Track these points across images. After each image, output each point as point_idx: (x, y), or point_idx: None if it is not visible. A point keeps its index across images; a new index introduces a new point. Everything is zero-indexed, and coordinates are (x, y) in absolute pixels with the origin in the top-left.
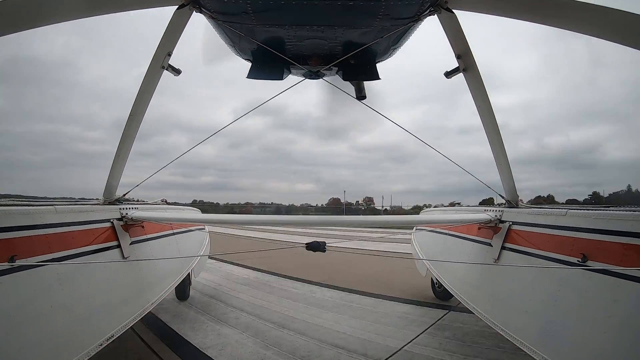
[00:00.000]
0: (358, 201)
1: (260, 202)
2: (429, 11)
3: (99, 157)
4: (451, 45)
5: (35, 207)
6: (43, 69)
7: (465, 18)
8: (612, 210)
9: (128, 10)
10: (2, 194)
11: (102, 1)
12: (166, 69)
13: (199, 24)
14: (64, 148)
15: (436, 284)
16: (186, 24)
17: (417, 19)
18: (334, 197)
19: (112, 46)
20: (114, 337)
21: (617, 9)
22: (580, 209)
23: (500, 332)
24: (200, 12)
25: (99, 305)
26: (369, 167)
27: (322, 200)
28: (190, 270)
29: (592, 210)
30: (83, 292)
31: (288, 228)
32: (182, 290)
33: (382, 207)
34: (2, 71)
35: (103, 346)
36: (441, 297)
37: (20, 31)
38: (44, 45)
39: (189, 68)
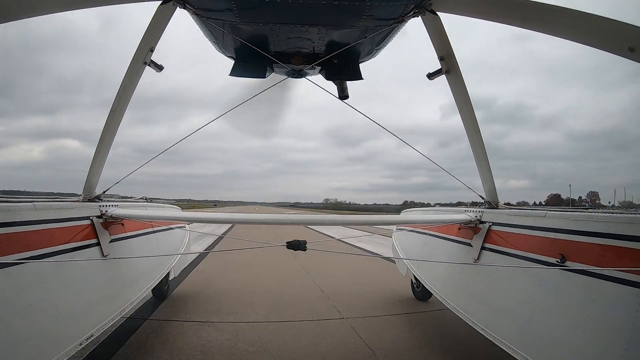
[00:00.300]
0: (581, 197)
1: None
2: (413, 13)
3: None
4: (434, 47)
5: (13, 204)
6: None
7: (449, 20)
8: (590, 212)
9: (112, 4)
10: None
11: None
12: (148, 65)
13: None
14: None
15: (415, 284)
16: (169, 19)
17: (400, 20)
18: (553, 192)
19: (93, 40)
20: (94, 337)
21: (596, 15)
22: (559, 211)
23: (480, 331)
24: (184, 8)
25: (78, 304)
26: (587, 158)
27: (539, 197)
28: (170, 269)
29: (570, 212)
30: (62, 290)
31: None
32: (160, 289)
33: (610, 203)
34: None
35: (82, 345)
36: (420, 297)
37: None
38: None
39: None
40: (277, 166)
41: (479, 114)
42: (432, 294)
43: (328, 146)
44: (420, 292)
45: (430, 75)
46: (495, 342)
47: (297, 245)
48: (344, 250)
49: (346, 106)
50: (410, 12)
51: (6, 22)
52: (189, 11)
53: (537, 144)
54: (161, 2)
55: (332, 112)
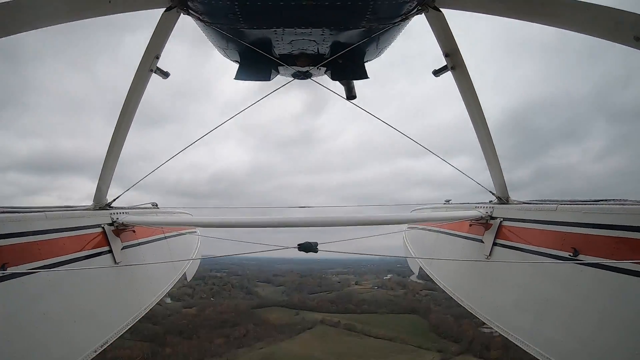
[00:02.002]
0: None
1: None
2: (417, 10)
3: None
4: (439, 43)
5: (25, 214)
6: None
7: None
8: (602, 205)
9: (115, 14)
10: None
11: (88, 5)
12: (154, 72)
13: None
14: None
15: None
16: (174, 26)
17: (404, 18)
18: None
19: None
20: (108, 343)
21: (601, 5)
22: (570, 204)
23: (495, 328)
24: (188, 14)
25: (92, 311)
26: None
27: None
28: (183, 274)
29: (581, 205)
30: (75, 298)
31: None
32: None
33: None
34: None
35: (97, 352)
36: None
37: (5, 36)
38: None
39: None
40: None
41: None
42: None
43: None
44: None
45: (436, 72)
46: (509, 338)
47: (308, 247)
48: (355, 250)
49: None
50: (413, 9)
51: (15, 34)
52: (192, 17)
53: None
54: (165, 9)
55: None
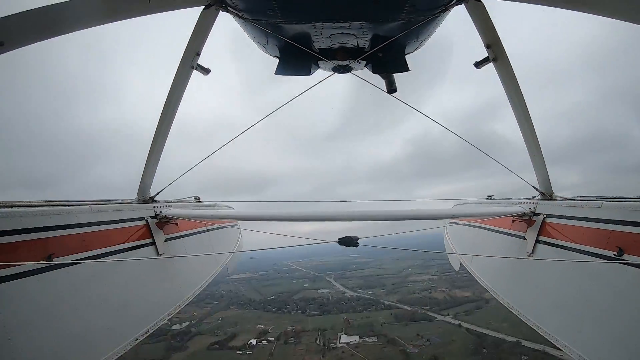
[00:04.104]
0: None
1: None
2: (457, 1)
3: None
4: (480, 34)
5: (71, 207)
6: None
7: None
8: None
9: (154, 13)
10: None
11: (127, 5)
12: (195, 69)
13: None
14: None
15: None
16: (213, 23)
17: (444, 9)
18: None
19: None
20: (150, 332)
21: None
22: (616, 201)
23: (534, 328)
24: (227, 12)
25: (134, 301)
26: None
27: None
28: (225, 266)
29: (628, 202)
30: (119, 288)
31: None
32: None
33: None
34: None
35: (139, 340)
36: None
37: (47, 39)
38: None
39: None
40: None
41: None
42: None
43: None
44: None
45: (478, 64)
46: (549, 339)
47: (349, 242)
48: (394, 244)
49: None
50: (453, 0)
51: (60, 35)
52: (231, 14)
53: None
54: (204, 7)
55: None
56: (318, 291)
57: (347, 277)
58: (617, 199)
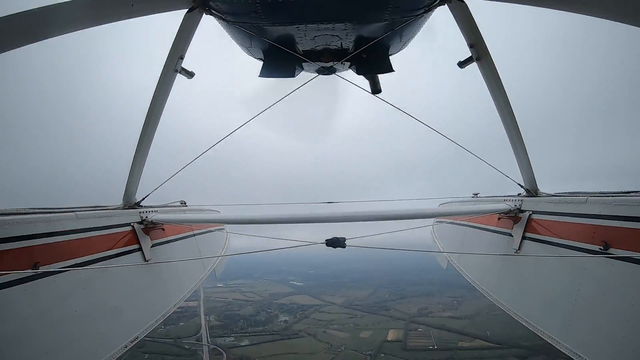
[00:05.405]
0: None
1: None
2: (439, 1)
3: None
4: (463, 34)
5: (55, 214)
6: None
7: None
8: (633, 196)
9: (138, 16)
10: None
11: (112, 9)
12: (179, 72)
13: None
14: None
15: None
16: (197, 26)
17: (427, 9)
18: None
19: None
20: (139, 339)
21: None
22: (601, 196)
23: (524, 324)
24: (211, 14)
25: (122, 308)
26: None
27: None
28: (212, 270)
29: (612, 196)
30: (106, 295)
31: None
32: None
33: None
34: None
35: (128, 348)
36: None
37: (33, 42)
38: None
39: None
40: None
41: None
42: None
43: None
44: None
45: (461, 64)
46: (538, 334)
47: (336, 243)
48: (382, 245)
49: None
50: (436, 0)
51: (44, 39)
52: (215, 17)
53: None
54: (187, 10)
55: None
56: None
57: None
58: (602, 194)
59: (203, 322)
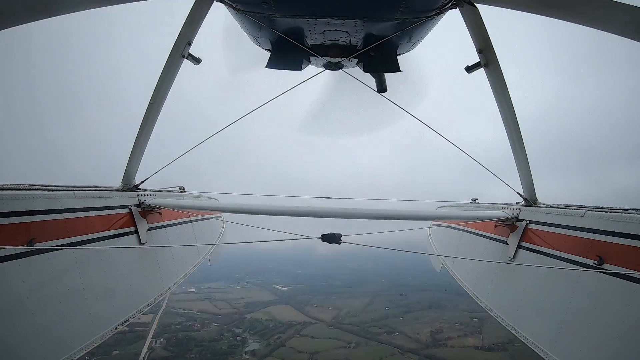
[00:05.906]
0: None
1: None
2: (451, 4)
3: None
4: (472, 39)
5: (54, 192)
6: None
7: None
8: (632, 213)
9: None
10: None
11: None
12: (186, 58)
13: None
14: None
15: None
16: (207, 13)
17: (438, 12)
18: None
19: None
20: (129, 321)
21: None
22: (599, 211)
23: (512, 332)
24: (221, 2)
25: (114, 290)
26: None
27: None
28: (207, 258)
29: (610, 212)
30: (99, 276)
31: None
32: None
33: None
34: None
35: (118, 329)
36: None
37: (42, 19)
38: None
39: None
40: None
41: None
42: None
43: None
44: None
45: (469, 69)
46: (527, 344)
47: (332, 238)
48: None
49: None
50: (448, 4)
51: (53, 16)
52: (225, 4)
53: None
54: None
55: None
56: None
57: None
58: (600, 209)
59: (143, 355)
